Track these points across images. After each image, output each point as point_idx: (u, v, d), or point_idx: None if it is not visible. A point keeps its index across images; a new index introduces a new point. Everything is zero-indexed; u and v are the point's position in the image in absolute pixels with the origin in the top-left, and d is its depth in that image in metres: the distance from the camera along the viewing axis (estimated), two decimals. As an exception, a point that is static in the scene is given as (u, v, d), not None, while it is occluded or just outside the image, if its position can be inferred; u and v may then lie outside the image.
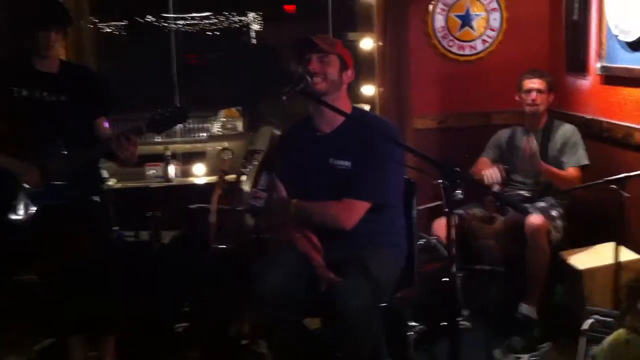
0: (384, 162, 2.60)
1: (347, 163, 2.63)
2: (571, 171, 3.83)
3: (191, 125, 6.13)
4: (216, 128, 6.14)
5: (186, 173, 4.89)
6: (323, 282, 2.51)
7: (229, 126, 6.22)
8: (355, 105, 3.05)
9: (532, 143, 3.73)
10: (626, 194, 3.01)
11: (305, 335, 2.73)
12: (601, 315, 2.85)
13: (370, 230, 2.62)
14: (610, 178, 3.04)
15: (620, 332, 2.21)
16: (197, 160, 5.87)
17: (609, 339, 2.25)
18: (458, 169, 1.98)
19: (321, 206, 2.66)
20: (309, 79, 2.56)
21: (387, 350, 2.80)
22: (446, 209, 2.04)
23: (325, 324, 2.90)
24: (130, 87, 5.99)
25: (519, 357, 3.64)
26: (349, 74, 2.78)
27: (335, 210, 2.62)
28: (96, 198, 2.97)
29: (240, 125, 6.21)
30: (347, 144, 2.65)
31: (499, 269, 3.47)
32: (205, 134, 6.14)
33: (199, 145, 6.17)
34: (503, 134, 4.15)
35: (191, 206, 3.77)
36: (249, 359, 3.32)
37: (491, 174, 3.76)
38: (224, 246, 3.51)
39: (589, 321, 2.86)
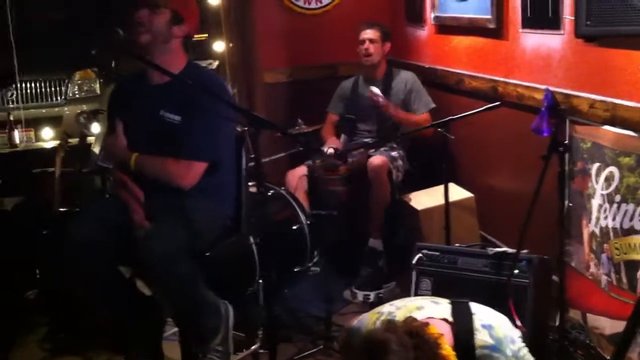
0: (216, 120, 2.63)
1: (177, 117, 2.64)
2: (424, 116, 4.03)
3: (45, 90, 5.92)
4: (71, 91, 5.98)
5: (37, 138, 4.75)
6: (139, 230, 2.52)
7: (86, 88, 6.08)
8: (197, 61, 3.05)
9: (375, 93, 3.90)
10: (451, 136, 3.21)
11: (123, 284, 2.72)
12: (429, 250, 3.07)
13: (199, 187, 2.67)
14: (436, 122, 3.23)
15: None
16: (54, 125, 5.70)
17: None
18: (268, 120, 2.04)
19: (161, 163, 2.65)
20: (120, 32, 2.49)
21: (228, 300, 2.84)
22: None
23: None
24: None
25: (367, 295, 3.86)
26: (184, 28, 2.72)
27: (176, 169, 2.63)
28: None
29: (97, 87, 6.07)
30: (178, 97, 2.64)
31: (339, 212, 3.65)
32: (60, 98, 5.96)
33: (56, 109, 6.00)
34: (346, 85, 4.29)
35: (34, 170, 3.68)
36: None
37: (328, 150, 3.99)
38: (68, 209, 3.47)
39: (418, 256, 3.07)
